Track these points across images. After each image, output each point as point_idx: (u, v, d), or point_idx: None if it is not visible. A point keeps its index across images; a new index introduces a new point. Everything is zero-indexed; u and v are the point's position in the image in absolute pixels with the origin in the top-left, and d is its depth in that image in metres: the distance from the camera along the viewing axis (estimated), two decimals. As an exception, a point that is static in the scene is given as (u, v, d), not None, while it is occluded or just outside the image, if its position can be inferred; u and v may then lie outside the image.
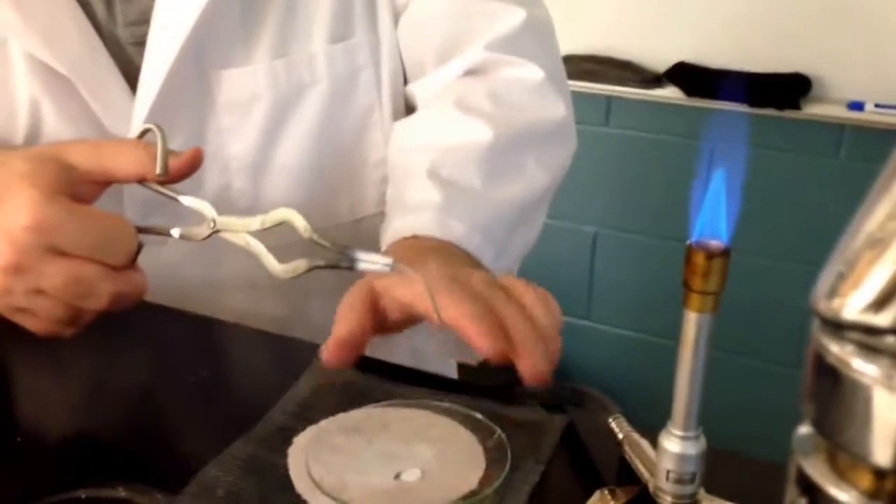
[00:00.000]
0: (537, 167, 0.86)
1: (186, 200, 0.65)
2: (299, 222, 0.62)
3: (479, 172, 0.81)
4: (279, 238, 0.63)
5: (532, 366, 0.60)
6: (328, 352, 0.62)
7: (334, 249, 0.61)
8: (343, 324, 0.63)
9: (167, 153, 0.65)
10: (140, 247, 0.65)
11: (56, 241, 0.61)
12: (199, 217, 0.64)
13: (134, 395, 0.68)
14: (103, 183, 0.67)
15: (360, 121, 0.89)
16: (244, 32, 0.82)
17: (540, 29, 0.92)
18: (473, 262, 0.74)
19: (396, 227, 0.77)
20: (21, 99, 0.79)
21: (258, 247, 0.63)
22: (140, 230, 0.65)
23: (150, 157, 0.65)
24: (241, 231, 0.64)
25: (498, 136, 0.83)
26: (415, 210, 0.78)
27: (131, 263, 0.64)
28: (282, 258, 0.62)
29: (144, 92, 0.78)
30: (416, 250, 0.72)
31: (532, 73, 0.89)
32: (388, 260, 0.60)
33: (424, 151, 0.83)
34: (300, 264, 0.62)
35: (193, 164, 0.67)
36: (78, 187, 0.65)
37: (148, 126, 0.67)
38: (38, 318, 0.64)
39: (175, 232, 0.65)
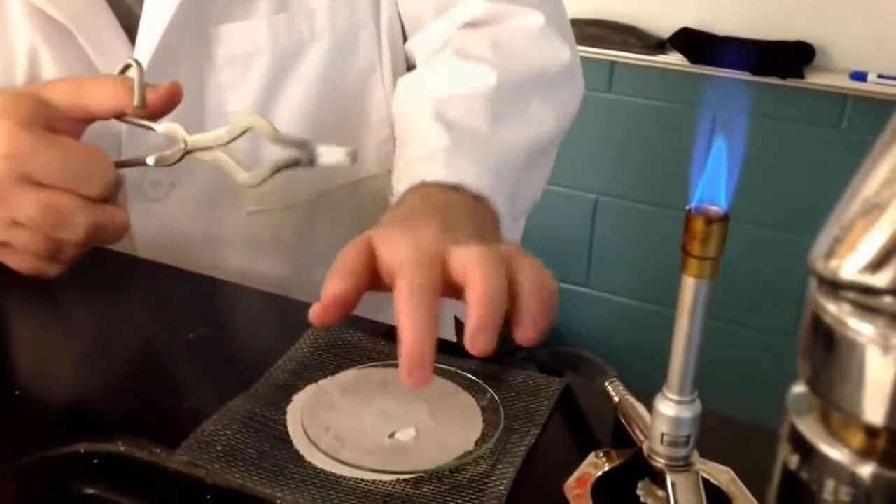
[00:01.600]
0: (543, 110, 0.85)
1: (160, 128, 0.65)
2: (265, 125, 0.62)
3: (485, 116, 0.80)
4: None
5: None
6: (321, 309, 0.59)
7: (294, 143, 0.61)
8: (338, 282, 0.60)
9: (145, 87, 0.65)
10: (120, 180, 0.64)
11: (30, 169, 0.60)
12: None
13: (134, 350, 0.68)
14: (82, 120, 0.66)
15: (361, 80, 0.88)
16: None
17: None
18: (483, 222, 0.71)
19: (406, 177, 0.75)
20: (19, 48, 0.79)
21: (225, 159, 0.63)
22: (117, 164, 0.65)
23: (127, 90, 0.65)
24: (212, 146, 0.64)
25: (501, 81, 0.82)
26: (423, 157, 0.76)
27: (109, 195, 0.64)
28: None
29: (143, 43, 0.78)
30: (425, 208, 0.69)
31: (533, 18, 0.87)
32: (348, 149, 0.60)
33: (429, 101, 0.82)
34: (262, 169, 0.62)
35: (172, 98, 0.66)
36: (56, 123, 0.64)
37: (128, 61, 0.66)
38: (18, 252, 0.64)
39: (150, 160, 0.65)
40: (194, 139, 0.64)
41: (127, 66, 0.67)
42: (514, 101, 0.83)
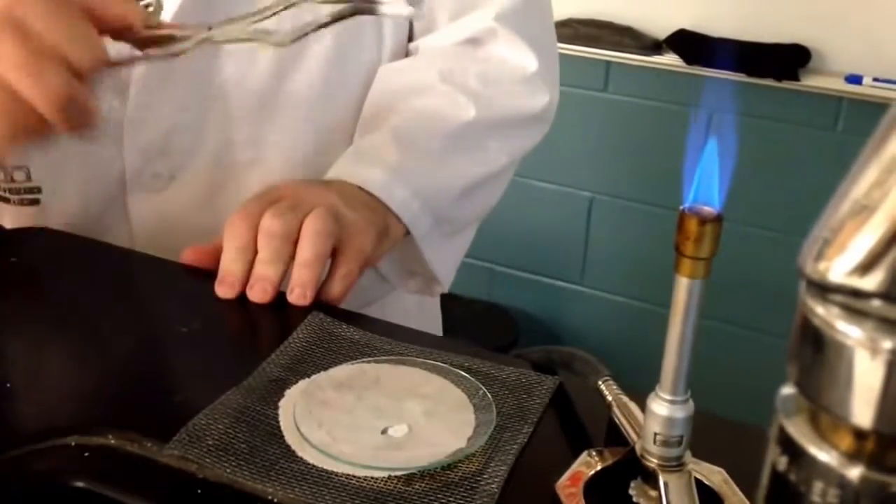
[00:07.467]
0: (500, 151, 0.89)
1: (182, 32, 0.63)
2: None
3: (443, 142, 0.84)
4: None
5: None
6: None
7: None
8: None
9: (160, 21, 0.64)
10: (106, 64, 0.61)
11: (27, 16, 0.58)
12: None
13: (126, 343, 0.68)
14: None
15: (364, 76, 0.88)
16: None
17: (542, 7, 0.94)
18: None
19: (347, 170, 0.80)
20: None
21: (252, 31, 0.61)
22: (116, 63, 0.62)
23: (138, 7, 0.64)
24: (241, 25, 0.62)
25: (478, 117, 0.86)
26: (369, 163, 0.80)
27: (89, 77, 0.61)
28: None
29: None
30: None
31: (527, 61, 0.90)
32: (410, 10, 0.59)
33: (401, 108, 0.85)
34: (305, 26, 0.60)
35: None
36: None
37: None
38: None
39: (153, 51, 0.62)
40: (220, 31, 0.62)
41: (147, 5, 0.64)
42: (478, 139, 0.87)
